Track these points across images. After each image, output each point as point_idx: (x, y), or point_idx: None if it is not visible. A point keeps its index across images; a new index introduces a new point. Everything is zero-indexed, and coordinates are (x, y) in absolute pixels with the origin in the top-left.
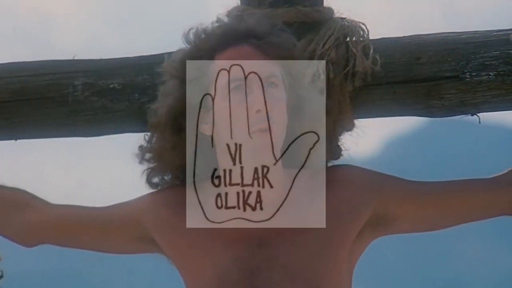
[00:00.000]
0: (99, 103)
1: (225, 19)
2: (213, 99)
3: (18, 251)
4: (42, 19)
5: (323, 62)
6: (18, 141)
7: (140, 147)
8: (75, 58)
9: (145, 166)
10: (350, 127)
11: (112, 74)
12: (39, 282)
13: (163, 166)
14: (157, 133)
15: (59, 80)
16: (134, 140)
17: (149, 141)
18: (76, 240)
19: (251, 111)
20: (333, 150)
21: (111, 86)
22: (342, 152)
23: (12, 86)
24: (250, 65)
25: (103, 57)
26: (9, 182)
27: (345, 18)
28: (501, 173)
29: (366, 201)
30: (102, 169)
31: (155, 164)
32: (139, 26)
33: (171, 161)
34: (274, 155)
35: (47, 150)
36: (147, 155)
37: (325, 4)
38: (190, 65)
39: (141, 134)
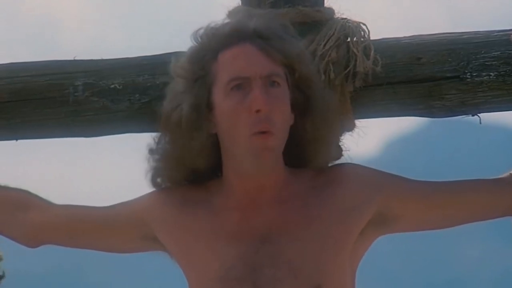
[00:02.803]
0: (100, 103)
1: (232, 18)
2: (215, 98)
3: (19, 251)
4: (46, 21)
5: (324, 62)
6: (19, 141)
7: (151, 148)
8: (76, 58)
9: (152, 164)
10: (350, 127)
11: (113, 74)
12: (39, 282)
13: (171, 165)
14: (166, 134)
15: (60, 80)
16: (135, 140)
17: (159, 142)
18: (79, 240)
19: (251, 110)
20: (334, 150)
21: (112, 86)
22: (343, 152)
23: (12, 86)
24: (251, 64)
25: (105, 57)
26: (10, 183)
27: (345, 18)
28: (504, 174)
29: (369, 199)
30: (102, 169)
31: (163, 164)
32: (140, 27)
33: (181, 162)
34: (274, 150)
35: (47, 151)
36: (158, 156)
37: (326, 4)
38: (194, 64)
39: (142, 134)
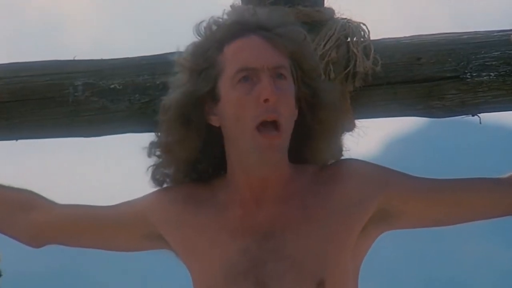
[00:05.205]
0: (100, 104)
1: (235, 12)
2: (221, 90)
3: (19, 251)
4: (49, 21)
5: (324, 62)
6: (18, 141)
7: (151, 142)
8: (76, 58)
9: (153, 160)
10: (350, 127)
11: (113, 75)
12: (39, 282)
13: (171, 161)
14: (166, 126)
15: (60, 80)
16: (135, 140)
17: (159, 136)
18: (83, 240)
19: (258, 100)
20: (334, 150)
21: (112, 86)
22: (343, 152)
23: (12, 86)
24: (259, 55)
25: (105, 58)
26: (10, 182)
27: (345, 18)
28: (506, 175)
29: (371, 195)
30: (102, 169)
31: (163, 159)
32: (142, 27)
33: (180, 156)
34: (280, 148)
35: (47, 151)
36: (156, 150)
37: (326, 4)
38: (199, 56)
39: (142, 134)
